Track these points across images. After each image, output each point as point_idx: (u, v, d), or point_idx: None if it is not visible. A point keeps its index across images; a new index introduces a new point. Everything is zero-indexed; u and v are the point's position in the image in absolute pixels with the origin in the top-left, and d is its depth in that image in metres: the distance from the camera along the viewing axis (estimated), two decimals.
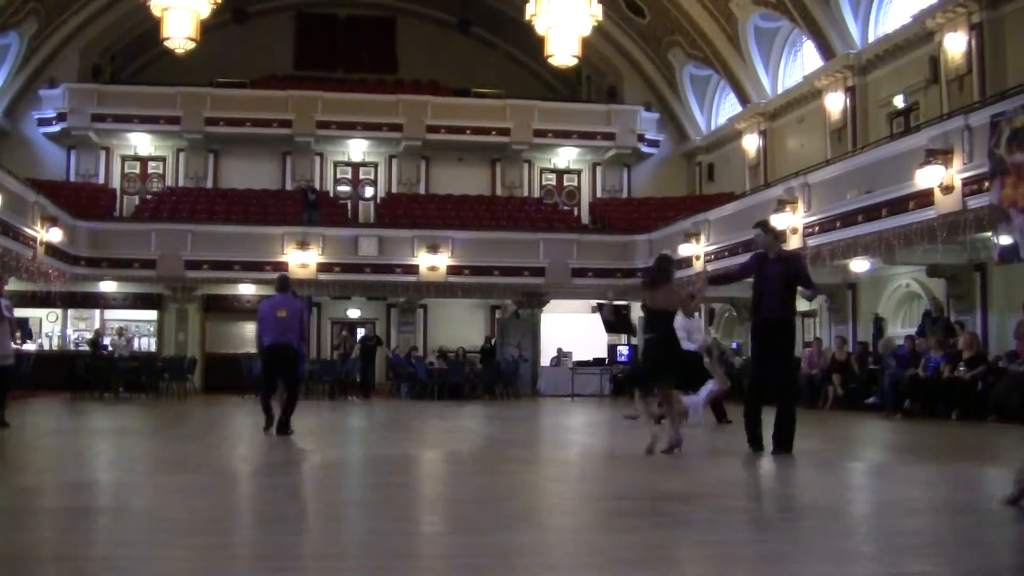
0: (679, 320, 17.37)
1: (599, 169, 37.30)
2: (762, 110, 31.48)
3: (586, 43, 25.94)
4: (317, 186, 35.23)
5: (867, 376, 21.21)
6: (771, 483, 8.94)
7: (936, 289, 21.94)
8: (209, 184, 34.91)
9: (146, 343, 31.77)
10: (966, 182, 17.42)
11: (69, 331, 31.79)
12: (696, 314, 17.61)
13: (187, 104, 33.50)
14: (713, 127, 35.72)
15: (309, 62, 38.02)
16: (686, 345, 16.62)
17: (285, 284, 14.09)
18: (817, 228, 22.07)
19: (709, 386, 16.42)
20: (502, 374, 28.41)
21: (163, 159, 35.23)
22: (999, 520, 6.43)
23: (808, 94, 29.11)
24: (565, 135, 35.68)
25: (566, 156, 37.01)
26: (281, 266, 28.23)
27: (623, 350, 30.33)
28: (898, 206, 19.25)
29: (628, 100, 36.51)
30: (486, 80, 36.59)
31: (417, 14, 38.78)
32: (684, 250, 27.67)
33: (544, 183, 37.30)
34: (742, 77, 31.99)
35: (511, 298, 32.08)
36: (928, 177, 18.00)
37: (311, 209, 31.17)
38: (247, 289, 30.38)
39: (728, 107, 34.70)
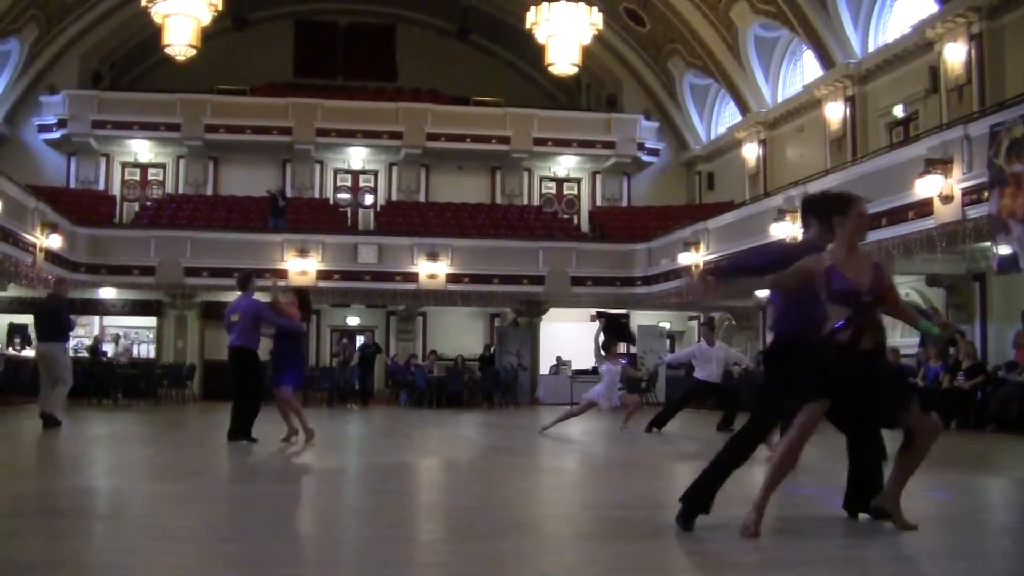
0: (694, 349, 17.57)
1: (599, 178, 37.32)
2: (762, 119, 31.50)
3: (586, 52, 26.06)
4: (316, 194, 35.29)
5: None
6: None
7: (935, 298, 21.95)
8: (209, 191, 34.91)
9: (145, 350, 31.70)
10: (965, 192, 17.43)
11: None
12: (718, 342, 17.55)
13: (187, 111, 33.51)
14: (713, 136, 35.74)
15: (309, 70, 38.06)
16: (699, 374, 16.79)
17: (243, 283, 13.32)
18: None
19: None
20: (501, 382, 28.38)
21: (163, 166, 35.25)
22: (996, 530, 6.43)
23: (808, 103, 29.12)
24: (565, 143, 35.68)
25: (566, 164, 37.02)
26: (281, 273, 28.23)
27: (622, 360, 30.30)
28: (897, 216, 19.25)
29: (628, 109, 36.53)
30: (486, 88, 36.61)
31: (417, 22, 38.84)
32: (683, 259, 27.69)
33: (544, 191, 37.31)
34: (742, 86, 32.03)
35: (510, 306, 32.07)
36: (927, 187, 18.01)
37: (278, 216, 31.01)
38: None
39: (728, 116, 34.72)
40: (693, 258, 27.34)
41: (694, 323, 33.75)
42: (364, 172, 36.32)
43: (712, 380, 16.59)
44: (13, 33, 30.51)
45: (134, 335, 31.57)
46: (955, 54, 22.57)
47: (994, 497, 8.79)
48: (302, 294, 14.05)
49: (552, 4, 24.83)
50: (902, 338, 22.84)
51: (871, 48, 26.45)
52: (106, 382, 25.31)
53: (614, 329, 26.64)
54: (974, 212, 17.19)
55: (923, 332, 6.75)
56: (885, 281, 6.27)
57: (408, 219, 33.65)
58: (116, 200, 34.43)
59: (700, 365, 16.80)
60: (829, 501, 7.82)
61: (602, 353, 16.89)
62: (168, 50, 23.76)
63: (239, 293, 13.35)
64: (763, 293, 25.72)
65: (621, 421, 16.68)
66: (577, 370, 30.09)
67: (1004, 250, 16.73)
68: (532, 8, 25.02)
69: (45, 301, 16.21)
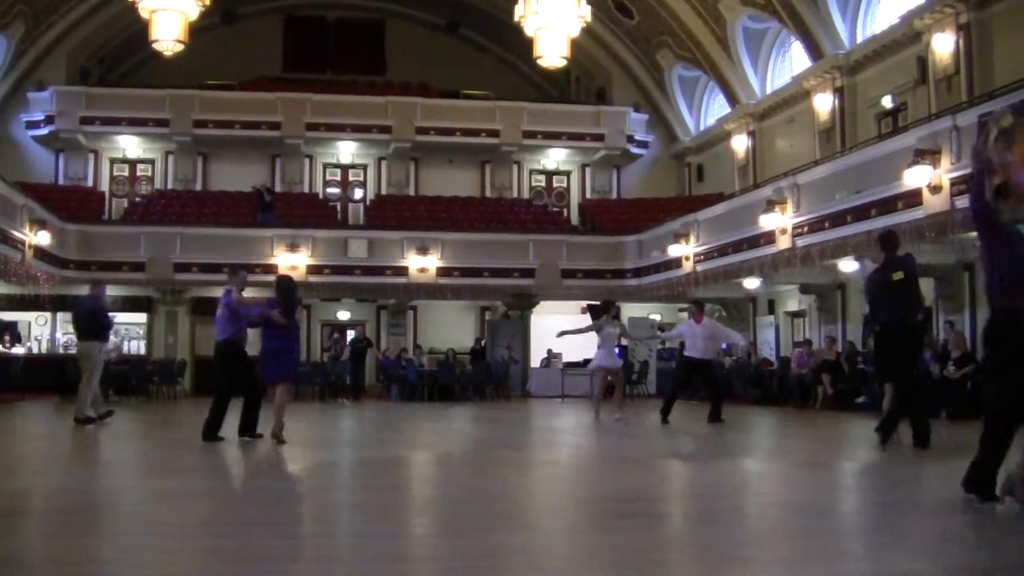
0: (683, 327, 17.71)
1: (588, 170, 37.34)
2: (751, 111, 31.55)
3: (575, 44, 26.00)
4: (306, 189, 35.26)
5: (857, 376, 21.25)
6: (762, 483, 8.96)
7: (925, 289, 21.97)
8: (198, 186, 34.84)
9: (136, 346, 31.64)
10: (954, 182, 17.47)
11: (58, 334, 31.67)
12: (705, 318, 17.60)
13: (176, 106, 33.44)
14: (702, 128, 35.78)
15: (298, 64, 38.00)
16: (687, 352, 16.94)
17: (229, 277, 13.50)
18: (806, 228, 22.12)
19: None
20: (492, 375, 28.40)
21: (152, 161, 35.18)
22: (987, 519, 6.46)
23: (797, 95, 29.18)
24: (554, 136, 35.71)
25: (555, 157, 37.03)
26: (271, 268, 28.19)
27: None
28: (887, 206, 19.30)
29: (617, 101, 36.56)
30: (475, 82, 36.60)
31: (406, 16, 38.77)
32: (673, 251, 27.72)
33: (533, 184, 37.33)
34: (731, 78, 32.06)
35: (501, 299, 32.06)
36: (916, 177, 18.06)
37: (266, 211, 31.02)
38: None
39: (717, 108, 34.76)
40: (683, 250, 27.38)
41: (685, 315, 33.79)
42: (353, 166, 36.29)
43: (698, 356, 16.74)
44: (0, 29, 30.39)
45: (124, 332, 31.46)
46: (943, 44, 22.61)
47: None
48: (280, 283, 13.30)
49: None
50: None
51: (859, 39, 26.48)
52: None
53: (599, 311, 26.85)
54: (963, 202, 17.22)
55: None
56: None
57: (398, 213, 33.62)
58: (105, 196, 34.36)
59: (689, 343, 17.02)
60: (812, 493, 7.85)
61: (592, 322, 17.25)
62: (156, 45, 23.63)
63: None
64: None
65: (616, 411, 16.71)
66: (568, 363, 30.10)
67: None
68: (520, 1, 24.96)
69: (83, 302, 16.49)
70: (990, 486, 6.57)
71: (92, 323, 15.73)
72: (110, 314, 16.93)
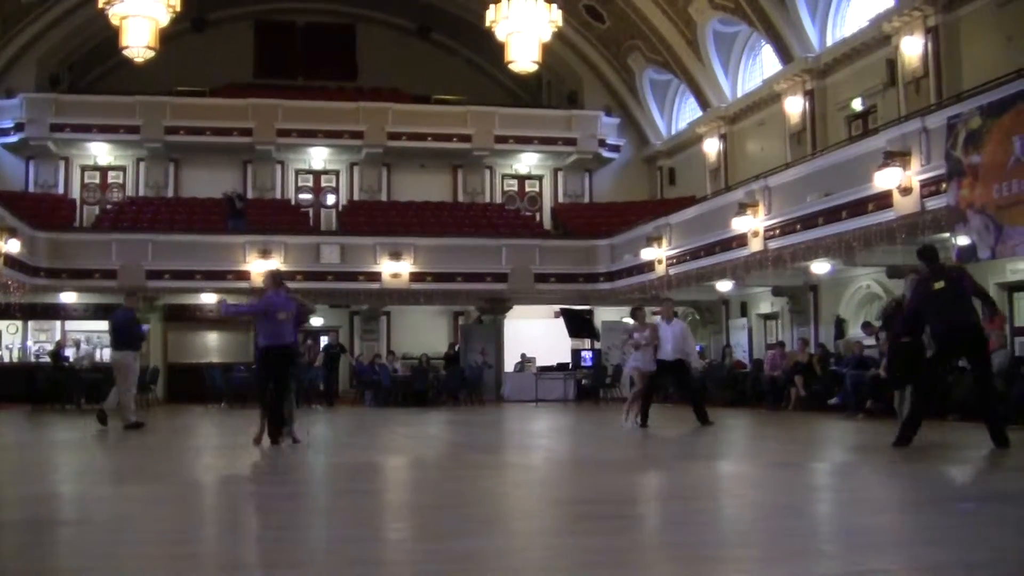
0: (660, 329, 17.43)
1: (561, 174, 37.40)
2: (722, 114, 31.66)
3: (546, 49, 26.00)
4: (278, 195, 35.17)
5: (829, 377, 21.36)
6: (736, 485, 8.99)
7: (895, 290, 22.10)
8: (170, 193, 34.70)
9: (108, 354, 31.39)
10: (924, 184, 17.61)
11: (29, 343, 31.45)
12: (676, 320, 17.57)
13: (146, 113, 33.28)
14: (674, 131, 35.89)
15: (269, 70, 37.90)
16: (660, 355, 16.74)
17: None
18: (778, 231, 22.22)
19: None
20: (466, 380, 28.39)
21: (123, 168, 35.00)
22: (959, 517, 6.50)
23: (767, 98, 29.30)
24: (526, 141, 35.74)
25: (528, 162, 37.06)
26: (243, 275, 28.12)
27: (587, 355, 30.43)
28: (857, 208, 19.42)
29: (589, 105, 36.62)
30: (447, 87, 36.58)
31: (377, 21, 38.76)
32: (646, 254, 27.77)
33: (506, 189, 37.34)
34: (702, 81, 32.16)
35: (474, 304, 32.04)
36: (887, 179, 18.18)
37: (237, 217, 30.97)
38: (209, 298, 30.15)
39: (688, 111, 34.87)
40: (656, 253, 27.44)
41: (657, 319, 33.83)
42: (325, 172, 36.22)
43: (666, 358, 16.57)
44: None
45: (96, 339, 31.27)
46: (912, 47, 22.78)
47: (957, 485, 8.88)
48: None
49: (512, 1, 24.79)
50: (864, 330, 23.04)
51: (829, 42, 26.65)
52: (69, 387, 25.10)
53: (577, 323, 26.81)
54: (933, 203, 17.38)
55: None
56: None
57: (370, 219, 33.57)
58: (76, 204, 34.18)
59: (660, 344, 16.78)
60: (786, 493, 7.87)
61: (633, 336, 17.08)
62: (126, 52, 23.49)
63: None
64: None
65: (631, 416, 16.41)
66: (542, 367, 30.11)
67: (963, 241, 16.89)
68: (492, 6, 24.97)
69: (118, 313, 17.09)
70: None
71: (126, 333, 16.55)
72: (143, 326, 18.00)
